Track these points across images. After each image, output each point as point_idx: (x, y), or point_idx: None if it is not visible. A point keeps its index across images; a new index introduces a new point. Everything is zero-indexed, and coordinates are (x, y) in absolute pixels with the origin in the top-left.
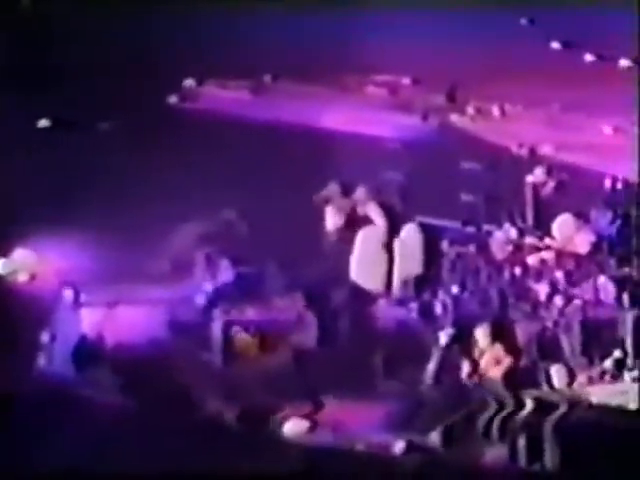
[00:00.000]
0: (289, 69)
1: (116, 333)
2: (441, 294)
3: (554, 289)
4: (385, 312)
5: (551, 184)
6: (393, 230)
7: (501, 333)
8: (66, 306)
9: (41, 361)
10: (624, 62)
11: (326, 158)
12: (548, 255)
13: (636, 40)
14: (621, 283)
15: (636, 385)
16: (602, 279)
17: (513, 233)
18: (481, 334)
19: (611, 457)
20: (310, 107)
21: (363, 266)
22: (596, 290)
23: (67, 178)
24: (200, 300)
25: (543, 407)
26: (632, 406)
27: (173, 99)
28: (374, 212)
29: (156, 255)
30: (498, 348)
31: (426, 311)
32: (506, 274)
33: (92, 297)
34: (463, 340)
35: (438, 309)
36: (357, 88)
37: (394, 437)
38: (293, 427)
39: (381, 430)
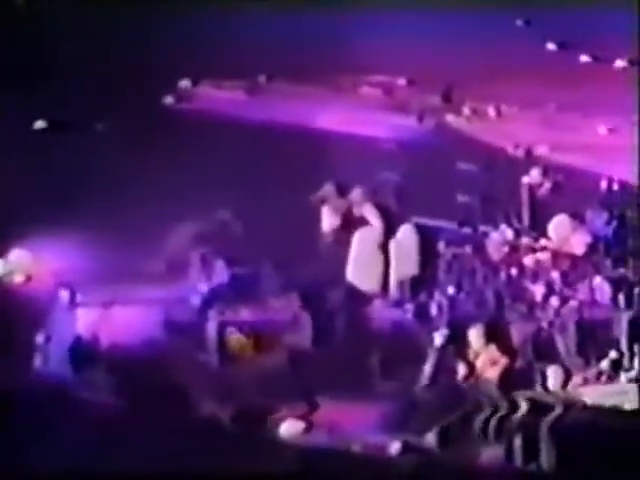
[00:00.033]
0: (284, 69)
1: (111, 333)
2: (437, 295)
3: (550, 290)
4: (381, 313)
5: (547, 185)
6: (389, 231)
7: (496, 334)
8: (62, 307)
9: (37, 362)
10: (620, 63)
11: (322, 159)
12: (544, 256)
13: (634, 40)
14: (617, 284)
15: (633, 385)
16: (598, 280)
17: (509, 234)
18: (474, 335)
19: (607, 457)
20: (305, 107)
21: (359, 267)
22: (592, 291)
23: (62, 179)
24: (195, 300)
25: (539, 408)
26: (628, 406)
27: (168, 99)
28: (370, 213)
29: (151, 255)
30: (492, 349)
31: (422, 312)
32: (502, 275)
33: (87, 297)
34: (458, 341)
35: (434, 310)
36: (352, 89)
37: (390, 438)
38: (289, 428)
39: (377, 431)
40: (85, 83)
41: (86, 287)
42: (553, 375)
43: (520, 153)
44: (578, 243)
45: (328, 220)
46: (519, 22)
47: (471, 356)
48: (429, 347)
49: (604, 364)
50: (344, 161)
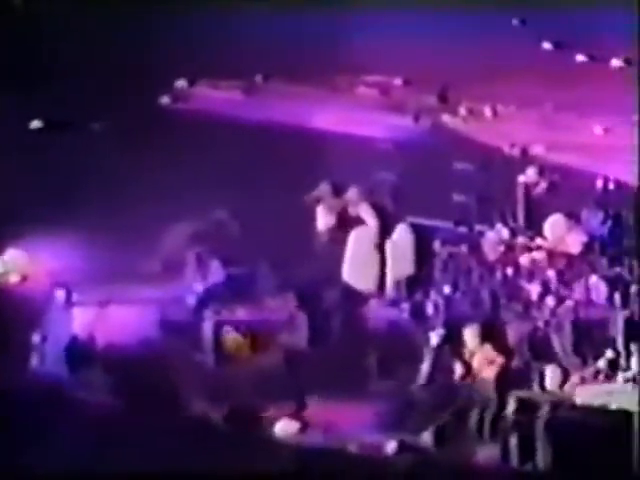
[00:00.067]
0: (281, 69)
1: (107, 333)
2: (433, 294)
3: (546, 289)
4: (377, 312)
5: (543, 184)
6: (385, 230)
7: (492, 333)
8: (58, 306)
9: (33, 361)
10: (615, 62)
11: (318, 158)
12: (540, 255)
13: (630, 40)
14: (613, 283)
15: (629, 385)
16: (594, 279)
17: (505, 233)
18: (469, 335)
19: (603, 456)
20: (302, 107)
21: (355, 266)
22: (588, 290)
23: (59, 178)
24: (191, 300)
25: (535, 407)
26: (626, 406)
27: (165, 100)
28: (366, 212)
29: (147, 255)
30: (488, 349)
31: (418, 311)
32: (498, 274)
33: (83, 297)
34: (454, 341)
35: (430, 309)
36: (349, 88)
37: (386, 437)
38: (284, 427)
39: (373, 430)
40: (82, 83)
41: (82, 287)
42: (551, 375)
43: (516, 153)
44: (574, 242)
45: (323, 219)
46: (515, 22)
47: (467, 355)
48: (425, 347)
49: (601, 363)
50: (340, 161)
